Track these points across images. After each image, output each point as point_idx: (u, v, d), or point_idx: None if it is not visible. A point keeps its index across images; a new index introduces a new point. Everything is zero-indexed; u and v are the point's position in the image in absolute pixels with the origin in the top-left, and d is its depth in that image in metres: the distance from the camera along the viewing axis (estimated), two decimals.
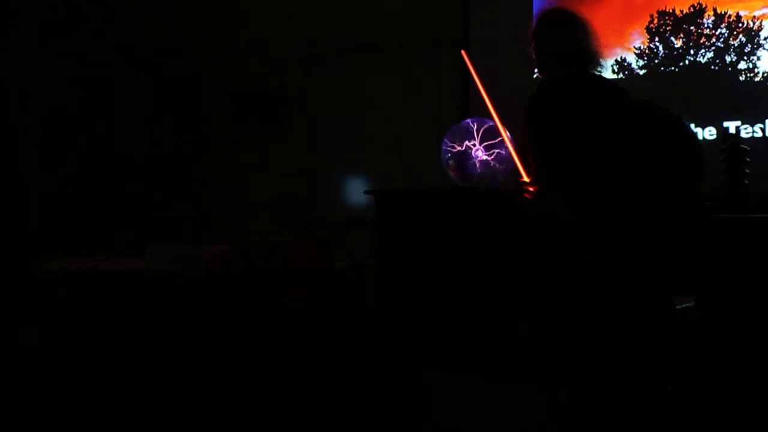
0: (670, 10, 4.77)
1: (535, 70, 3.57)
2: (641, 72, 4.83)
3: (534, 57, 3.33)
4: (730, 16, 4.62)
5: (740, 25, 4.58)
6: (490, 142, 4.21)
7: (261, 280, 3.65)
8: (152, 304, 3.53)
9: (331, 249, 4.14)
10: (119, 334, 3.46)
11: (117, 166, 6.27)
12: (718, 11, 4.65)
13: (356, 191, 5.63)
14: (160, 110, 6.38)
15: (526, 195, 3.06)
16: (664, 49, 4.78)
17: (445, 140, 4.30)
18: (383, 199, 4.41)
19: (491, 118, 3.35)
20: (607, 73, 4.83)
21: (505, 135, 3.39)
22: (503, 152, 4.16)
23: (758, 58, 4.53)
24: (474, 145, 4.23)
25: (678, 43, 4.74)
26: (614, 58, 4.86)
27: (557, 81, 3.28)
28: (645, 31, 4.82)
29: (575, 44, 3.24)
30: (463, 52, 3.50)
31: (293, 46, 6.07)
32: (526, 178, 3.07)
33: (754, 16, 4.56)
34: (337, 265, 4.24)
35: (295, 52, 6.06)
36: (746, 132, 4.47)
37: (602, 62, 3.32)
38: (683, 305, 2.84)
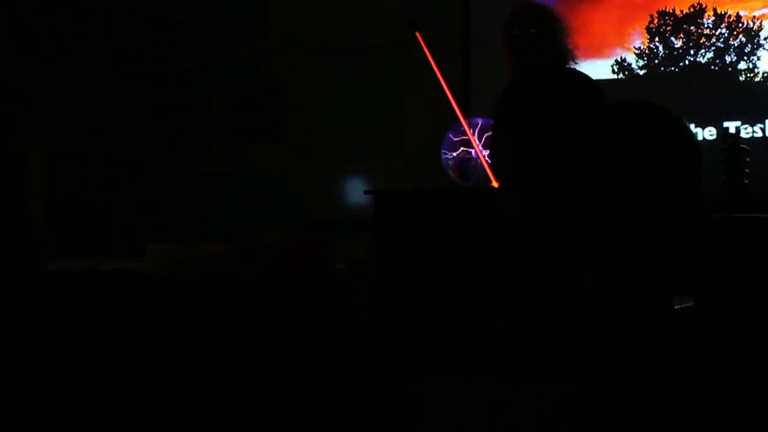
0: (670, 10, 4.78)
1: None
2: (641, 72, 4.83)
3: (507, 51, 3.26)
4: (730, 16, 4.62)
5: (740, 25, 4.58)
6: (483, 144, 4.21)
7: (261, 280, 3.65)
8: (152, 305, 3.53)
9: (331, 249, 4.14)
10: (119, 334, 3.46)
11: (117, 166, 6.27)
12: (718, 11, 4.65)
13: (356, 191, 5.63)
14: (160, 110, 6.38)
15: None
16: (664, 49, 4.78)
17: (445, 140, 4.30)
18: (383, 199, 4.42)
19: (454, 107, 3.27)
20: (607, 73, 4.84)
21: (470, 132, 3.34)
22: None
23: (758, 58, 4.53)
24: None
25: (678, 43, 4.74)
26: (614, 58, 4.86)
27: (534, 76, 3.20)
28: (645, 31, 4.82)
29: (552, 39, 3.20)
30: (417, 34, 3.47)
31: (293, 46, 6.07)
32: (494, 183, 3.05)
33: (754, 16, 4.56)
34: (337, 265, 4.24)
35: (295, 52, 6.06)
36: (746, 132, 4.47)
37: (576, 58, 3.26)
38: (683, 305, 2.85)
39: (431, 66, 3.21)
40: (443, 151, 4.31)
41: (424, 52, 3.29)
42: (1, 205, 2.79)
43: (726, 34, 4.62)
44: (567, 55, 3.23)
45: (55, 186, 5.90)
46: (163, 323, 3.50)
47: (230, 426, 3.38)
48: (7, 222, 2.80)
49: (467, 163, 4.24)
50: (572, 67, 3.25)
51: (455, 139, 4.30)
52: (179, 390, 3.38)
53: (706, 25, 4.67)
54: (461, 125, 4.31)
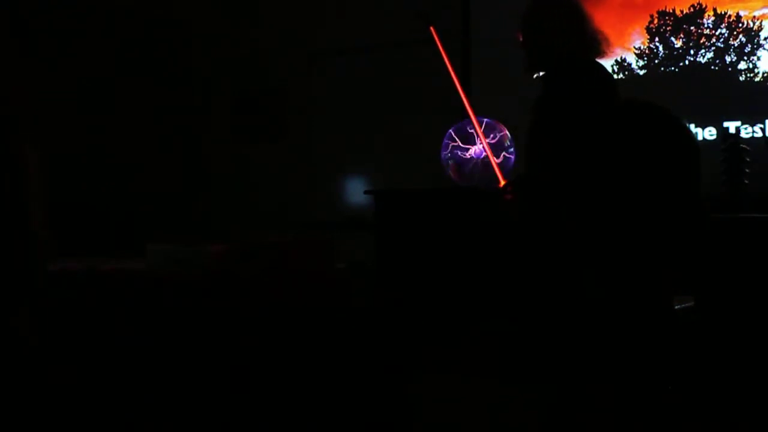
0: (670, 10, 4.78)
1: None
2: (641, 72, 4.83)
3: (534, 49, 3.14)
4: (730, 16, 4.62)
5: (740, 25, 4.58)
6: (490, 142, 4.21)
7: (261, 280, 3.65)
8: (152, 305, 3.53)
9: (331, 249, 4.14)
10: (119, 334, 3.46)
11: (117, 166, 6.27)
12: (718, 11, 4.65)
13: (356, 191, 5.63)
14: (160, 110, 6.38)
15: (506, 197, 2.99)
16: (664, 49, 4.78)
17: (445, 140, 4.30)
18: (383, 199, 4.42)
19: (468, 112, 3.26)
20: None
21: (479, 128, 3.32)
22: (504, 152, 4.16)
23: (758, 58, 4.53)
24: (474, 144, 4.23)
25: (678, 43, 4.74)
26: (614, 58, 4.86)
27: (572, 73, 3.05)
28: (645, 31, 4.82)
29: (554, 37, 3.03)
30: (431, 29, 3.42)
31: (293, 46, 6.08)
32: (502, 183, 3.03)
33: (754, 16, 4.56)
34: (337, 265, 4.24)
35: (295, 52, 6.06)
36: (746, 132, 4.47)
37: (595, 44, 3.10)
38: (683, 305, 2.84)
39: (444, 61, 3.16)
40: (443, 150, 4.31)
41: (437, 46, 3.23)
42: (1, 205, 2.79)
43: (726, 34, 4.62)
44: (576, 48, 3.05)
45: (55, 186, 5.90)
46: (163, 323, 3.50)
47: (230, 426, 3.38)
48: (7, 222, 2.80)
49: (467, 163, 4.24)
50: (584, 60, 3.07)
51: (456, 138, 4.30)
52: (179, 390, 3.39)
53: (706, 25, 4.67)
54: (461, 124, 4.31)
